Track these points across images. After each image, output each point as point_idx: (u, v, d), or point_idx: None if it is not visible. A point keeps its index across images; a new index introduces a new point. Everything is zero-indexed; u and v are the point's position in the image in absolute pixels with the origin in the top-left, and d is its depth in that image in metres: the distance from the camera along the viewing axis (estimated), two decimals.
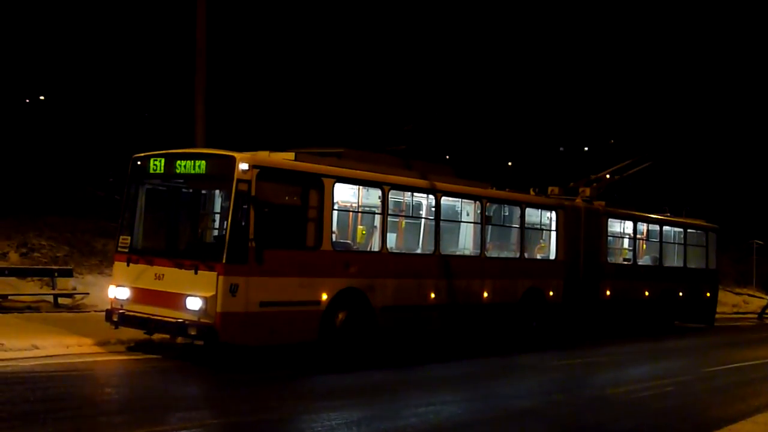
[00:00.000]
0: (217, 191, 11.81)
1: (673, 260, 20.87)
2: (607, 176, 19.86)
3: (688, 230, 21.37)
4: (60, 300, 15.85)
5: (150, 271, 10.99)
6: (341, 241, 12.37)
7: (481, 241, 14.54)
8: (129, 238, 11.56)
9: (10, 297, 15.28)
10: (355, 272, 12.03)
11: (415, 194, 13.72)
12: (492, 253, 15.10)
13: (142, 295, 11.04)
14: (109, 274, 14.19)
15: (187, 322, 10.36)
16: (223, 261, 10.25)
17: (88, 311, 14.87)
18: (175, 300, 10.50)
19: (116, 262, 11.63)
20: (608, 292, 17.88)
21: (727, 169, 48.77)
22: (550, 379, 12.50)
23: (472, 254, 14.64)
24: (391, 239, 13.22)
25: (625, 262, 19.01)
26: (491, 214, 15.07)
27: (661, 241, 20.11)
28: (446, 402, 10.00)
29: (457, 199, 14.58)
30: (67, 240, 20.05)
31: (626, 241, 19.37)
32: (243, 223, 10.40)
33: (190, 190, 12.20)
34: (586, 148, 48.52)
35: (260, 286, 10.60)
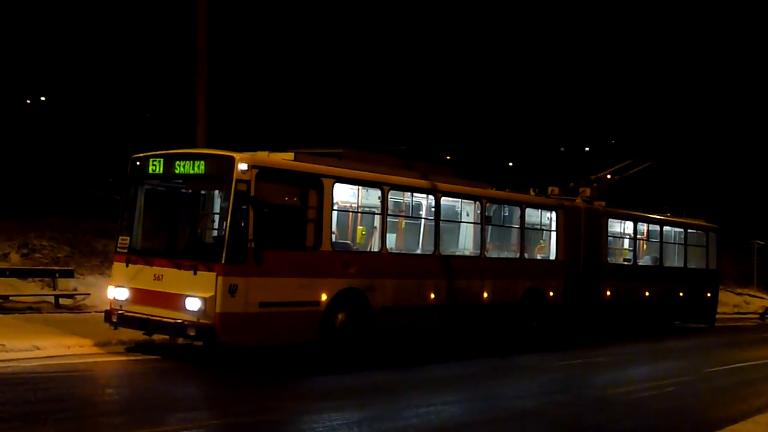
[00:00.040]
0: (217, 191, 11.78)
1: (674, 260, 20.84)
2: (608, 176, 19.84)
3: (689, 230, 21.34)
4: (61, 301, 15.86)
5: (149, 271, 10.96)
6: (341, 241, 12.34)
7: (481, 242, 14.52)
8: (128, 238, 11.53)
9: (11, 298, 15.29)
10: (355, 272, 12.00)
11: (414, 194, 13.70)
12: (492, 253, 15.07)
13: (141, 295, 11.02)
14: (110, 274, 14.19)
15: (186, 322, 10.34)
16: (222, 261, 10.23)
17: (89, 312, 14.87)
18: (174, 300, 10.47)
19: (115, 263, 11.61)
20: (608, 293, 17.85)
21: (728, 169, 48.74)
22: (551, 380, 12.47)
23: (472, 254, 14.62)
24: (391, 239, 13.20)
25: (626, 263, 18.98)
26: (491, 214, 15.04)
27: (661, 242, 20.08)
28: (447, 402, 9.98)
29: (457, 200, 14.55)
30: (68, 241, 20.06)
31: (626, 242, 19.34)
32: (242, 224, 10.37)
33: (189, 191, 12.17)
34: (587, 149, 48.48)
35: (259, 286, 10.57)
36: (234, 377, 10.57)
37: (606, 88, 50.39)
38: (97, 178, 30.76)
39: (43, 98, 41.00)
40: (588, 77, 51.36)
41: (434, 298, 13.43)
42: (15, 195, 25.17)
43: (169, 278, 10.68)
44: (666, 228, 20.41)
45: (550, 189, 18.18)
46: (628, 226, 19.25)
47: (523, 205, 15.62)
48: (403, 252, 13.57)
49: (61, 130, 37.12)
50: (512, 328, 15.20)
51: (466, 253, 14.73)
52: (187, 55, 18.39)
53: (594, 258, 17.45)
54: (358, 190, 12.72)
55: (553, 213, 16.44)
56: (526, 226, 15.64)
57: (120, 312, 11.18)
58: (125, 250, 11.43)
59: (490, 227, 15.01)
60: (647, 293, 19.24)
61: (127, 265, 11.27)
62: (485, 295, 14.50)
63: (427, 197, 13.73)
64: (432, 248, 13.56)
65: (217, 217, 11.80)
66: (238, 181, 10.37)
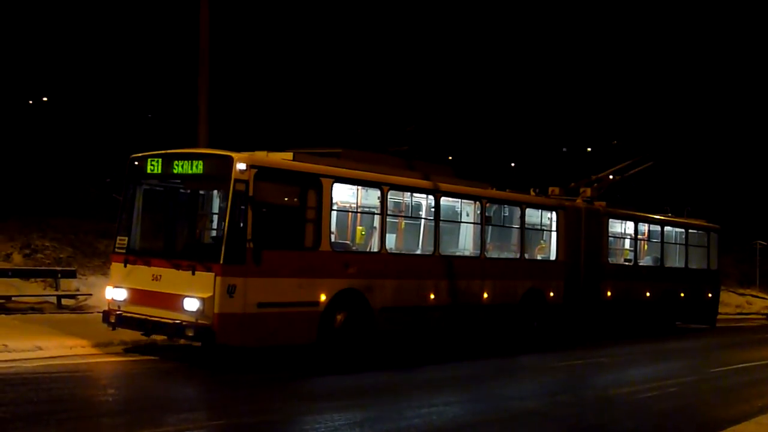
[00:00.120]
0: (215, 191, 11.74)
1: (675, 261, 20.78)
2: (609, 177, 19.80)
3: (690, 230, 21.28)
4: (63, 301, 15.87)
5: (147, 271, 10.91)
6: (340, 241, 12.28)
7: (481, 242, 14.46)
8: (126, 238, 11.48)
9: (13, 298, 15.32)
10: (354, 273, 11.94)
11: (414, 194, 13.63)
12: (492, 253, 15.01)
13: (139, 296, 10.97)
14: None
15: (184, 323, 10.28)
16: (221, 262, 10.17)
17: (91, 312, 14.85)
18: (173, 301, 10.42)
19: (113, 263, 11.56)
20: (609, 293, 17.79)
21: (730, 170, 48.69)
22: (552, 380, 12.41)
23: (472, 255, 14.56)
24: (391, 240, 13.14)
25: (626, 263, 18.92)
26: (491, 214, 14.99)
27: (662, 242, 20.03)
28: (449, 403, 9.93)
29: (456, 200, 14.49)
30: (70, 241, 20.09)
31: (627, 242, 19.28)
32: (241, 224, 10.32)
33: (188, 191, 12.12)
34: (589, 149, 48.45)
35: (258, 286, 10.51)
36: (234, 378, 10.52)
37: (608, 88, 50.40)
38: (100, 178, 30.80)
39: (45, 99, 41.04)
40: (590, 78, 51.38)
41: (434, 299, 13.37)
42: (17, 195, 25.23)
43: (168, 278, 10.63)
44: (667, 228, 20.35)
45: (550, 189, 18.14)
46: (629, 227, 19.19)
47: (524, 206, 15.56)
48: (402, 252, 13.51)
49: (64, 131, 37.17)
50: (512, 329, 15.14)
51: (466, 253, 14.67)
52: (189, 55, 18.37)
53: (594, 258, 17.38)
54: (358, 190, 12.66)
55: (554, 213, 16.38)
56: (526, 226, 15.58)
57: (118, 312, 11.13)
58: (123, 251, 11.38)
59: (490, 227, 14.95)
60: (648, 294, 19.17)
61: (125, 266, 11.22)
62: (485, 295, 14.44)
63: (427, 197, 13.67)
64: (432, 248, 13.49)
65: (215, 217, 11.77)
66: (236, 180, 10.32)
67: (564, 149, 52.15)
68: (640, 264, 19.41)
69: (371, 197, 12.77)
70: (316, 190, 11.45)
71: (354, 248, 12.63)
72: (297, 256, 11.21)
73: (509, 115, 49.70)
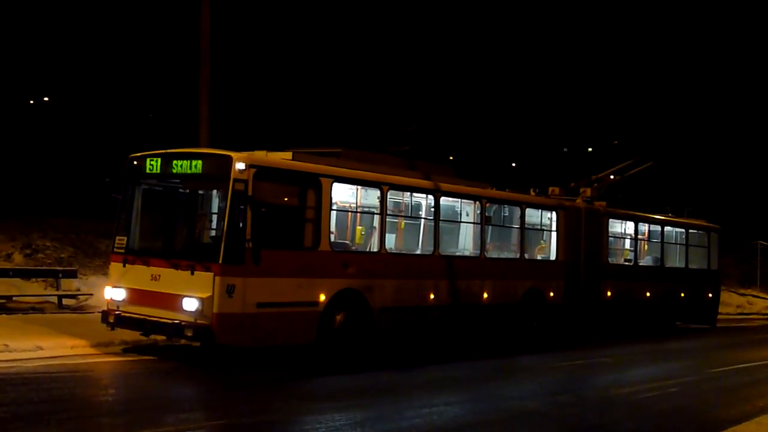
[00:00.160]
0: (214, 191, 11.71)
1: (675, 261, 20.74)
2: (611, 177, 19.77)
3: (690, 231, 21.25)
4: (64, 301, 15.86)
5: (146, 271, 10.88)
6: (339, 241, 12.25)
7: (481, 242, 14.43)
8: (125, 238, 11.45)
9: (14, 298, 15.30)
10: (354, 273, 11.91)
11: (414, 194, 13.60)
12: (492, 253, 14.98)
13: (138, 296, 10.94)
14: None
15: (183, 323, 10.25)
16: (220, 261, 10.14)
17: (92, 312, 14.82)
18: (172, 301, 10.39)
19: (112, 263, 11.53)
20: (609, 293, 17.76)
21: (730, 170, 48.66)
22: (553, 380, 12.39)
23: (471, 255, 14.53)
24: (390, 240, 13.11)
25: (626, 263, 18.88)
26: (491, 214, 14.96)
27: (662, 242, 20.00)
28: (449, 403, 9.91)
29: (456, 200, 14.46)
30: (71, 241, 20.09)
31: (627, 242, 19.25)
32: (240, 224, 10.29)
33: (187, 191, 12.10)
34: (590, 149, 48.47)
35: (257, 286, 10.48)
36: (234, 378, 10.49)
37: (609, 88, 50.40)
38: (101, 178, 30.79)
39: (46, 98, 41.07)
40: (592, 78, 51.40)
41: (434, 299, 13.34)
42: (18, 195, 25.23)
43: (167, 278, 10.60)
44: (667, 228, 20.32)
45: (550, 189, 18.11)
46: (629, 227, 19.15)
47: (523, 206, 15.53)
48: (402, 252, 13.48)
49: (65, 131, 37.19)
50: (512, 329, 15.11)
51: (466, 253, 14.64)
52: (190, 55, 18.35)
53: (594, 258, 17.35)
54: (357, 189, 12.63)
55: (554, 213, 16.35)
56: (526, 226, 15.55)
57: (117, 312, 11.10)
58: (122, 250, 11.35)
59: (490, 227, 14.92)
60: (648, 294, 19.14)
61: (124, 266, 11.19)
62: (485, 295, 14.41)
63: (427, 197, 13.64)
64: (431, 248, 13.46)
65: (214, 217, 11.74)
66: (235, 180, 10.29)
67: (565, 149, 52.15)
68: (640, 264, 19.38)
69: (371, 197, 12.73)
70: (315, 189, 11.42)
71: (353, 248, 12.60)
72: (296, 256, 11.18)
73: (511, 115, 49.73)
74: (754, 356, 16.60)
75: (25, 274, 16.68)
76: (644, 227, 19.92)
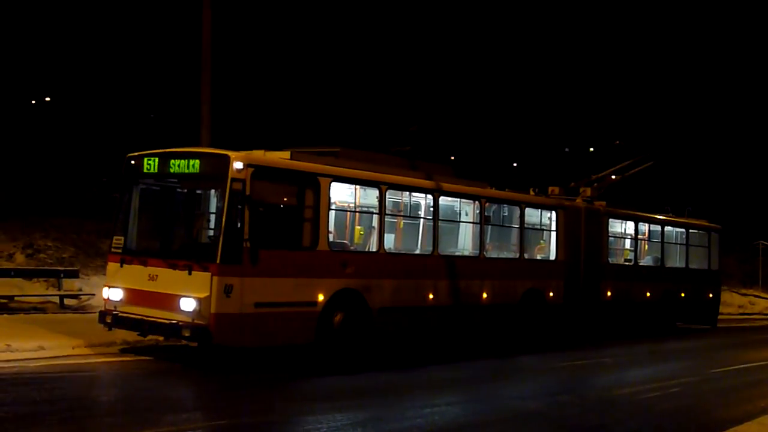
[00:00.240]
0: (212, 191, 11.66)
1: (675, 261, 20.69)
2: (611, 177, 19.71)
3: (691, 230, 21.19)
4: (66, 301, 15.86)
5: (144, 271, 10.83)
6: (338, 241, 12.19)
7: (481, 242, 14.37)
8: (123, 238, 11.41)
9: (16, 298, 15.30)
10: (352, 273, 11.86)
11: (413, 194, 13.54)
12: (491, 253, 14.93)
13: (135, 296, 10.89)
14: None
15: (180, 323, 10.19)
16: (218, 261, 10.08)
17: (94, 312, 14.70)
18: (169, 301, 10.34)
19: (110, 263, 11.48)
20: (609, 293, 17.70)
21: (731, 170, 48.59)
22: (553, 381, 12.34)
23: (471, 255, 14.47)
24: (389, 239, 13.06)
25: (627, 263, 18.83)
26: (490, 214, 14.90)
27: (662, 242, 19.94)
28: (450, 403, 9.87)
29: (455, 199, 14.40)
30: (72, 241, 20.07)
31: (627, 242, 19.20)
32: (238, 223, 10.23)
33: (185, 190, 12.06)
34: (591, 149, 48.42)
35: (255, 286, 10.43)
36: (234, 378, 10.44)
37: (610, 88, 50.37)
38: (102, 178, 30.80)
39: (47, 99, 41.08)
40: (592, 78, 51.36)
41: (433, 299, 13.29)
42: (20, 195, 25.22)
43: (164, 278, 10.55)
44: (667, 228, 20.27)
45: (550, 189, 18.05)
46: (629, 226, 19.10)
47: (523, 205, 15.48)
48: (401, 252, 13.42)
49: (66, 131, 37.21)
50: (512, 329, 15.05)
51: (466, 253, 14.58)
52: (190, 55, 18.30)
53: (594, 258, 17.29)
54: (356, 189, 12.57)
55: (553, 213, 16.30)
56: (525, 226, 15.49)
57: (114, 313, 11.06)
58: (120, 250, 11.31)
59: (489, 227, 14.86)
60: (648, 294, 19.08)
61: (121, 266, 11.15)
62: (485, 295, 14.35)
63: (426, 197, 13.59)
64: (431, 248, 13.41)
65: (212, 217, 11.66)
66: (233, 180, 10.23)
67: (566, 149, 52.12)
68: (641, 264, 19.33)
69: (369, 196, 12.68)
70: (313, 189, 11.37)
71: (352, 248, 12.54)
72: (294, 256, 11.12)
73: (512, 115, 49.71)
74: (755, 356, 16.55)
75: (26, 274, 16.69)
76: (644, 227, 19.86)
